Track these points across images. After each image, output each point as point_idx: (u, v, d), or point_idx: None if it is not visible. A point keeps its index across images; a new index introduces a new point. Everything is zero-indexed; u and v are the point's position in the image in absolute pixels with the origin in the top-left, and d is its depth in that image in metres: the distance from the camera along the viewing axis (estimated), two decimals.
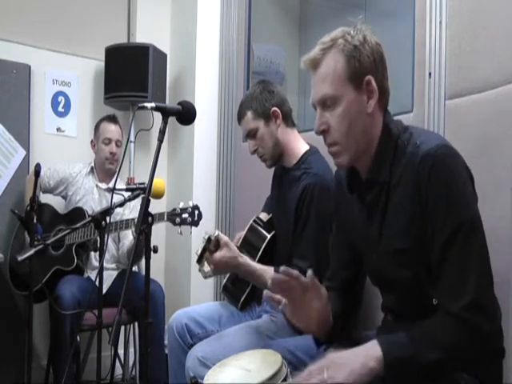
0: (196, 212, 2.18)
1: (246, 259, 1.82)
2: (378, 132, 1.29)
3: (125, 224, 2.48)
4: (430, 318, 1.17)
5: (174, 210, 2.22)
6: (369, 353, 1.13)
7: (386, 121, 1.30)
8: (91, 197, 2.87)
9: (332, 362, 1.13)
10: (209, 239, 1.75)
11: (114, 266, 2.84)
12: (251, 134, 2.02)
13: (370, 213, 1.33)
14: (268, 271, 1.81)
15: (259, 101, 1.99)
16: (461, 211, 1.16)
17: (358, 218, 1.38)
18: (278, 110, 1.99)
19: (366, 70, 1.25)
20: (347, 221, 1.45)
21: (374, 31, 1.29)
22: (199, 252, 1.80)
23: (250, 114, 2.00)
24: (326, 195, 1.84)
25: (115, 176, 2.82)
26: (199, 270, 1.84)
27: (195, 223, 2.17)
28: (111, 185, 2.90)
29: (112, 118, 2.93)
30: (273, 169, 2.17)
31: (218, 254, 1.75)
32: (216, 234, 1.77)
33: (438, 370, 1.13)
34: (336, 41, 1.27)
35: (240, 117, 2.05)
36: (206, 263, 1.80)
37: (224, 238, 1.79)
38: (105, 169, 2.90)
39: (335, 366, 1.12)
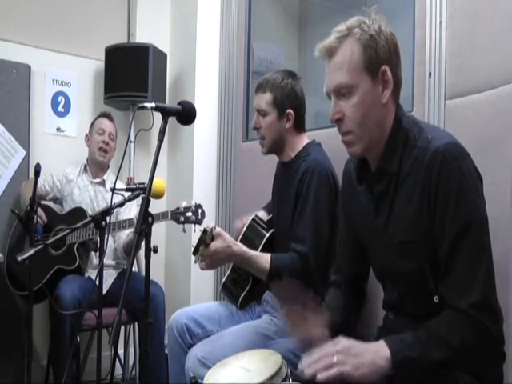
0: (199, 211, 2.23)
1: (240, 247, 1.80)
2: (391, 123, 1.30)
3: (128, 223, 2.49)
4: (435, 316, 1.17)
5: (178, 208, 2.25)
6: (378, 352, 1.13)
7: (398, 113, 1.31)
8: (87, 194, 2.89)
9: (344, 349, 1.13)
10: (205, 231, 1.76)
11: (114, 262, 2.85)
12: (261, 113, 2.01)
13: (378, 204, 1.34)
14: (263, 257, 1.82)
15: (283, 93, 1.97)
16: (470, 210, 1.17)
17: (365, 210, 1.39)
18: (293, 114, 1.98)
19: (382, 60, 1.26)
20: (355, 213, 1.47)
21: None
22: (195, 243, 1.82)
23: (269, 96, 1.98)
24: (324, 179, 1.85)
25: (115, 175, 2.84)
26: (195, 262, 1.84)
27: (199, 221, 2.22)
28: (105, 177, 2.92)
29: (107, 115, 2.99)
30: (274, 168, 2.17)
31: (212, 246, 1.75)
32: (212, 226, 1.77)
33: (443, 369, 1.13)
34: (352, 30, 1.27)
35: (259, 89, 2.03)
36: (200, 257, 1.81)
37: (217, 229, 1.78)
38: (96, 160, 2.92)
39: (346, 354, 1.12)
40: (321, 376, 1.10)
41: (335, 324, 1.41)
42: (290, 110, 1.97)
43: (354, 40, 1.26)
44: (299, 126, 2.02)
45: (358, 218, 1.46)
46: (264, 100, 1.99)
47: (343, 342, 1.16)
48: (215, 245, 1.75)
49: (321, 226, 1.84)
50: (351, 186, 1.46)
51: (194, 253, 1.80)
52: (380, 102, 1.27)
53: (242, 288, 2.00)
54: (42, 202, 2.85)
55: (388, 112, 1.30)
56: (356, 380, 1.10)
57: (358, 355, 1.12)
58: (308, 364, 1.13)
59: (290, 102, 1.98)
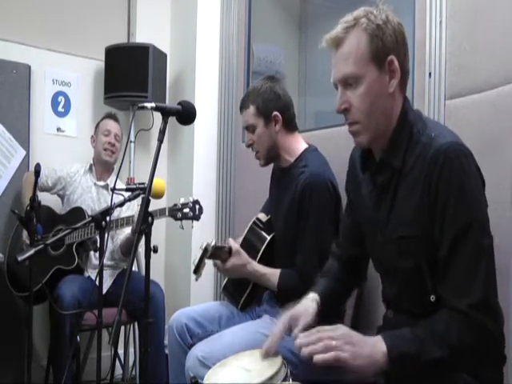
0: (197, 206, 2.22)
1: (253, 266, 1.90)
2: (397, 115, 1.30)
3: (125, 221, 2.49)
4: (434, 315, 1.17)
5: (175, 205, 2.24)
6: (375, 346, 1.13)
7: (405, 106, 1.31)
8: (89, 196, 2.88)
9: (343, 335, 1.14)
10: (205, 249, 1.76)
11: (112, 263, 2.84)
12: (250, 129, 2.02)
13: (380, 196, 1.34)
14: (275, 275, 1.89)
15: (264, 100, 1.98)
16: (471, 210, 1.17)
17: (367, 199, 1.40)
18: (280, 116, 1.98)
19: (389, 49, 1.26)
20: (358, 200, 1.47)
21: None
22: (196, 262, 1.81)
23: (252, 109, 1.99)
24: (323, 192, 1.86)
25: (115, 176, 2.83)
26: (196, 280, 1.86)
27: (196, 217, 2.22)
28: (109, 181, 2.92)
29: (113, 116, 2.99)
30: (272, 169, 2.17)
31: (230, 263, 1.86)
32: (213, 243, 1.78)
33: (440, 368, 1.13)
34: (359, 20, 1.27)
35: (242, 106, 2.04)
36: (201, 271, 1.83)
37: (235, 246, 1.88)
38: (102, 161, 2.91)
39: (345, 341, 1.12)
40: (317, 358, 1.09)
41: (325, 294, 1.47)
42: (275, 113, 1.97)
43: (360, 30, 1.26)
44: (289, 126, 2.02)
45: (359, 207, 1.47)
46: (249, 114, 2.00)
47: (343, 328, 1.16)
48: (232, 262, 1.86)
49: (325, 242, 1.82)
50: (355, 172, 1.47)
51: (195, 272, 1.80)
52: (387, 91, 1.27)
53: (243, 291, 2.01)
54: (43, 203, 2.85)
55: (395, 103, 1.30)
56: (352, 369, 1.10)
57: (357, 345, 1.12)
58: (306, 344, 1.13)
59: (273, 105, 1.98)
